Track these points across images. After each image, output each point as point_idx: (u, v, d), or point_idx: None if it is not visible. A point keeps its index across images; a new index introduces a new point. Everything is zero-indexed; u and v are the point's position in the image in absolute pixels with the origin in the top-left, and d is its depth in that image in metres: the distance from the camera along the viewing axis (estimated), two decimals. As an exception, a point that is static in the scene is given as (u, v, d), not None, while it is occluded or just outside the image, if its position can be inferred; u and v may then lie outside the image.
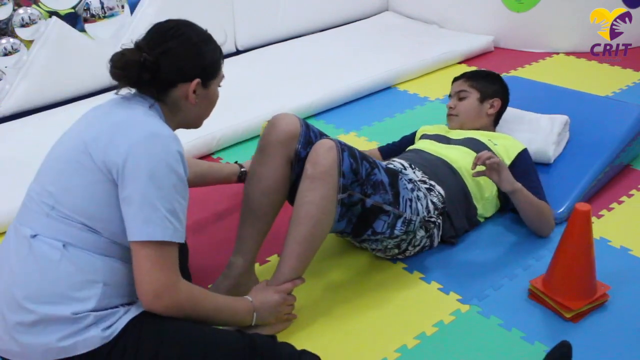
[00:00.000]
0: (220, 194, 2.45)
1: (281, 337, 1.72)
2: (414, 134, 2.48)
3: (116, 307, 1.43)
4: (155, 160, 1.39)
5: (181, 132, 2.65)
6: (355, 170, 1.73)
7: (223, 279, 1.84)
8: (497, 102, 2.36)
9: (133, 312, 1.45)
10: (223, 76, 1.64)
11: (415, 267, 2.02)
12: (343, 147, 1.73)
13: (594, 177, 2.32)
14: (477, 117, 2.33)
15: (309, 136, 1.83)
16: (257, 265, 1.97)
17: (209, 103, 1.63)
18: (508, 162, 2.16)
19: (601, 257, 1.89)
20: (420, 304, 1.88)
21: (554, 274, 1.83)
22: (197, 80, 1.54)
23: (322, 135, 1.87)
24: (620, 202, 2.36)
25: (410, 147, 2.32)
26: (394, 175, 1.85)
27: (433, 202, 1.96)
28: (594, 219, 2.22)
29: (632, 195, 2.40)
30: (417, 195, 1.90)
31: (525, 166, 2.17)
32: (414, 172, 2.06)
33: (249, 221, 1.84)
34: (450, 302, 1.88)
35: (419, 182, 1.98)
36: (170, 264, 1.42)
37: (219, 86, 1.64)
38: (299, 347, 1.59)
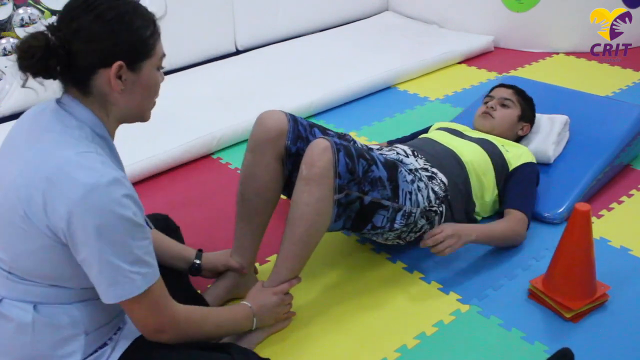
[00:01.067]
0: (221, 194, 2.45)
1: (280, 337, 1.73)
2: (426, 129, 2.49)
3: (104, 344, 1.39)
4: (99, 216, 1.21)
5: (180, 133, 2.63)
6: (352, 169, 1.70)
7: (222, 279, 1.84)
8: (526, 128, 2.41)
9: (121, 346, 1.40)
10: (163, 55, 1.35)
11: (415, 267, 2.02)
12: (339, 147, 1.69)
13: (594, 177, 2.32)
14: (508, 129, 2.36)
15: (298, 130, 1.81)
16: (256, 265, 1.96)
17: (144, 89, 1.33)
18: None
19: (601, 257, 1.89)
20: (420, 304, 1.88)
21: (554, 274, 1.82)
22: (119, 62, 1.26)
23: (312, 127, 1.85)
24: (620, 202, 2.36)
25: (422, 136, 2.33)
26: (393, 168, 1.82)
27: (434, 191, 1.94)
28: (594, 219, 2.22)
29: (632, 195, 2.40)
30: (418, 186, 1.88)
31: (523, 176, 2.18)
32: (417, 160, 2.04)
33: (245, 221, 1.84)
34: (450, 302, 1.88)
35: (420, 171, 1.96)
36: (158, 303, 1.34)
37: (161, 68, 1.37)
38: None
